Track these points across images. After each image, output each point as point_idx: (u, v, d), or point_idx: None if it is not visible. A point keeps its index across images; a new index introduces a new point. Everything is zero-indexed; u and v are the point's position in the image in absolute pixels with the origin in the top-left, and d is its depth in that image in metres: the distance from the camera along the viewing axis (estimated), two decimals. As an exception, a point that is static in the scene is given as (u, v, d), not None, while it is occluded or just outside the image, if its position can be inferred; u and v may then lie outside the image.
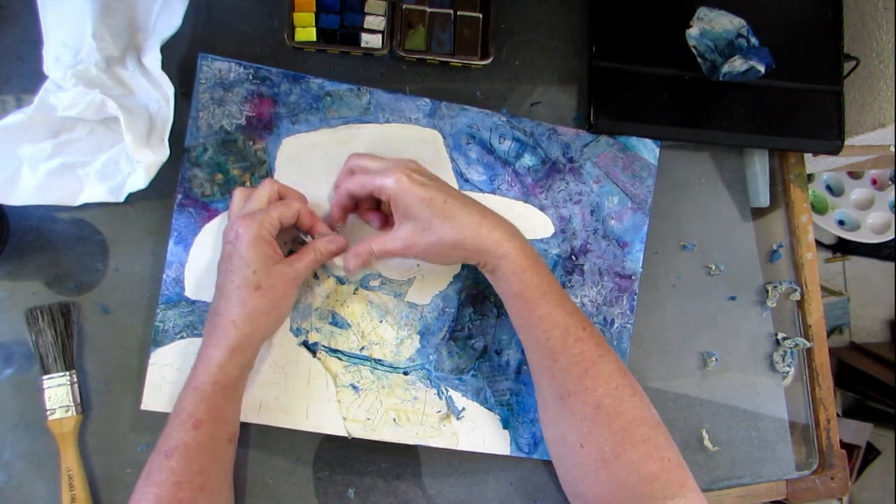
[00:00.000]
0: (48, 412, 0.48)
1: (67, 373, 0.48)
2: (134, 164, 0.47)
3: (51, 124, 0.48)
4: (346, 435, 0.51)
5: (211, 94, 0.52)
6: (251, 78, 0.53)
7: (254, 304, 0.44)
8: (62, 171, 0.48)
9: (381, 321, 0.53)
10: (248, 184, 0.52)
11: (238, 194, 0.48)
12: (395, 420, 0.52)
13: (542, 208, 0.56)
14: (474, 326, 0.54)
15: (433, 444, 0.52)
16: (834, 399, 0.62)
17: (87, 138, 0.49)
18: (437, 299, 0.54)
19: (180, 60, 0.54)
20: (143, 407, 0.49)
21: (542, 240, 0.56)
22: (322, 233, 0.49)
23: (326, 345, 0.52)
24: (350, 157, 0.50)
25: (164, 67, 0.49)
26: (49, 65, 0.48)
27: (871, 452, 1.44)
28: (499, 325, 0.54)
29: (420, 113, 0.55)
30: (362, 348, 0.52)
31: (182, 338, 0.50)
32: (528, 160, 0.56)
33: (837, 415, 0.62)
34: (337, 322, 0.52)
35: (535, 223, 0.56)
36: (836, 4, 0.61)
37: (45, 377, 0.48)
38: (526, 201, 0.56)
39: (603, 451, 0.44)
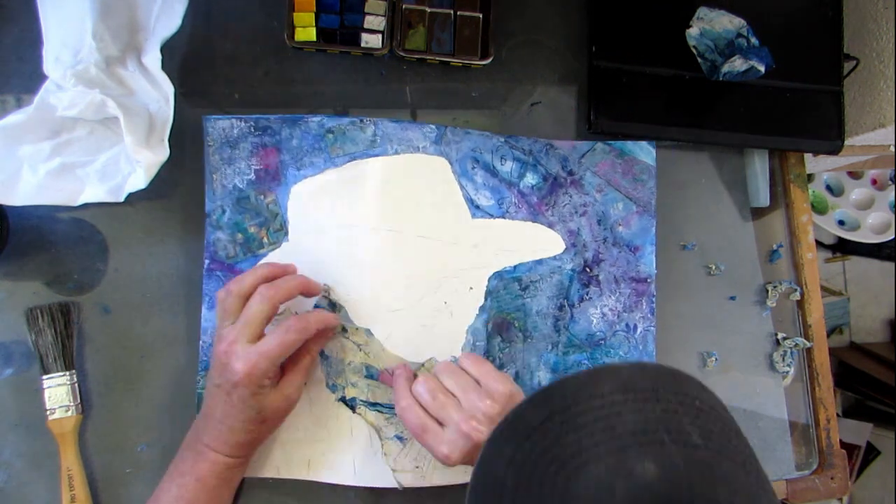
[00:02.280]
0: (48, 412, 0.48)
1: (67, 373, 0.48)
2: (134, 164, 0.47)
3: (51, 124, 0.48)
4: (397, 487, 0.50)
5: (220, 154, 0.51)
6: (253, 130, 0.52)
7: (260, 431, 0.45)
8: (62, 171, 0.48)
9: (417, 369, 0.52)
10: (265, 240, 0.51)
11: (234, 300, 0.44)
12: None
13: (550, 225, 0.56)
14: (504, 355, 0.53)
15: None
16: (834, 399, 0.62)
17: (87, 138, 0.49)
18: (469, 334, 0.53)
19: (180, 60, 0.54)
20: None
21: (554, 257, 0.55)
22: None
23: (365, 399, 0.51)
24: (432, 377, 0.47)
25: (164, 67, 0.49)
26: (49, 65, 0.48)
27: (871, 452, 1.44)
28: (526, 349, 0.54)
29: (427, 141, 0.54)
30: None
31: None
32: (530, 179, 0.56)
33: (837, 415, 0.62)
34: (372, 375, 0.51)
35: (546, 242, 0.55)
36: (836, 4, 0.61)
37: (45, 377, 0.48)
38: (535, 221, 0.55)
39: None
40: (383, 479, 0.50)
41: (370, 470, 0.50)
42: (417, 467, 0.50)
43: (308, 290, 0.48)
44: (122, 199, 0.47)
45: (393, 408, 0.50)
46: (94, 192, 0.48)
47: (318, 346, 0.49)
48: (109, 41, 0.48)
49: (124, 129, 0.46)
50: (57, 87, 0.48)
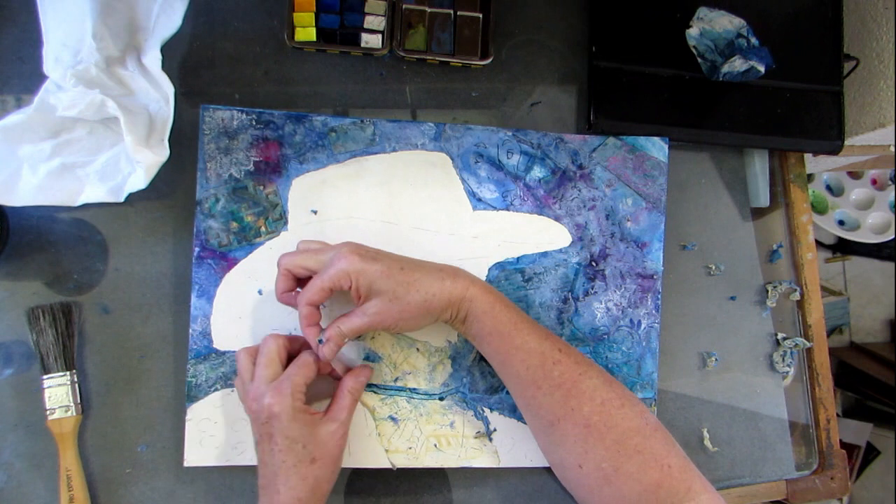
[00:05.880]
0: (48, 412, 0.48)
1: (68, 372, 0.48)
2: (134, 164, 0.47)
3: (51, 124, 0.48)
4: (390, 467, 0.51)
5: (216, 143, 0.51)
6: (254, 123, 0.52)
7: (315, 476, 0.43)
8: (62, 172, 0.48)
9: (411, 349, 0.53)
10: (263, 229, 0.52)
11: (244, 356, 0.46)
12: (436, 446, 0.52)
13: (556, 218, 0.56)
14: None
15: (476, 464, 0.52)
16: (834, 399, 0.62)
17: (87, 138, 0.49)
18: None
19: (180, 60, 0.54)
20: (185, 464, 0.49)
21: (560, 250, 0.55)
22: (342, 371, 0.49)
23: None
24: (281, 258, 0.46)
25: (164, 67, 0.49)
26: (49, 65, 0.48)
27: (871, 452, 1.44)
28: None
29: (426, 138, 0.54)
30: (396, 379, 0.52)
31: (216, 390, 0.50)
32: (538, 172, 0.56)
33: (837, 415, 0.62)
34: (368, 356, 0.52)
35: (552, 234, 0.56)
36: (836, 4, 0.61)
37: (45, 377, 0.48)
38: (540, 214, 0.56)
39: (601, 468, 0.44)
40: (377, 459, 0.51)
41: (364, 451, 0.51)
42: (410, 448, 0.51)
43: (325, 369, 0.48)
44: (122, 199, 0.47)
45: (388, 388, 0.52)
46: (94, 192, 0.48)
47: (355, 385, 0.47)
48: (109, 41, 0.48)
49: (124, 129, 0.46)
50: (57, 87, 0.48)
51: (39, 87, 0.48)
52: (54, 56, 0.48)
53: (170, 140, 0.48)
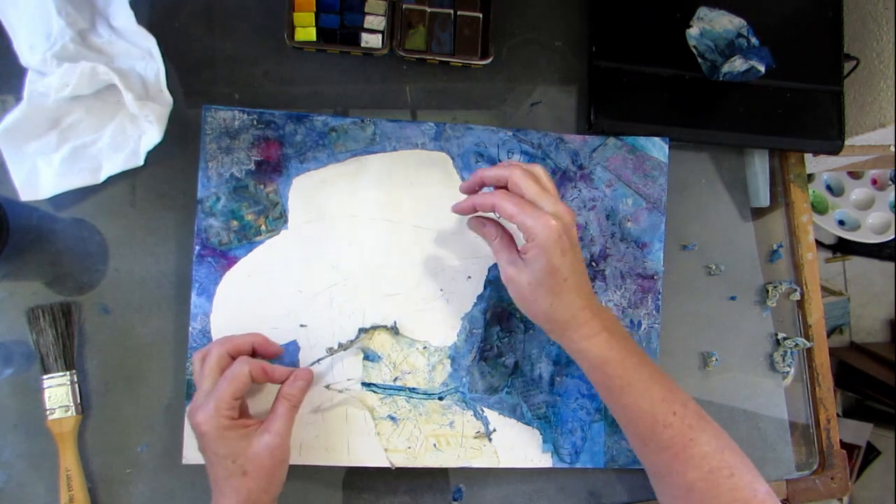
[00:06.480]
0: (48, 412, 0.48)
1: (68, 372, 0.48)
2: (143, 122, 0.47)
3: (47, 113, 0.48)
4: (389, 466, 0.51)
5: (218, 143, 0.52)
6: (255, 123, 0.52)
7: (248, 488, 0.42)
8: (75, 155, 0.48)
9: (410, 349, 0.53)
10: (263, 228, 0.52)
11: (196, 359, 0.46)
12: (435, 445, 0.52)
13: None
14: (503, 344, 0.54)
15: (475, 464, 0.52)
16: (834, 399, 0.62)
17: (86, 118, 0.49)
18: (465, 321, 0.54)
19: (180, 61, 0.53)
20: (184, 461, 0.49)
21: None
22: (283, 375, 0.46)
23: (360, 379, 0.52)
24: (511, 169, 0.45)
25: (166, 68, 0.49)
26: (25, 55, 0.47)
27: (871, 452, 1.44)
28: (527, 339, 0.54)
29: (426, 137, 0.54)
30: (395, 379, 0.52)
31: None
32: None
33: (837, 415, 0.62)
34: (368, 356, 0.52)
35: None
36: (836, 4, 0.61)
37: (45, 377, 0.48)
38: None
39: None
40: (376, 458, 0.51)
41: (363, 449, 0.51)
42: (409, 448, 0.51)
43: (264, 348, 0.48)
44: (141, 161, 0.48)
45: (388, 388, 0.52)
46: (112, 164, 0.48)
47: (291, 391, 0.46)
48: (75, 14, 0.47)
49: (122, 87, 0.46)
50: (40, 75, 0.47)
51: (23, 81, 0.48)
52: (28, 45, 0.47)
53: (170, 141, 0.48)
